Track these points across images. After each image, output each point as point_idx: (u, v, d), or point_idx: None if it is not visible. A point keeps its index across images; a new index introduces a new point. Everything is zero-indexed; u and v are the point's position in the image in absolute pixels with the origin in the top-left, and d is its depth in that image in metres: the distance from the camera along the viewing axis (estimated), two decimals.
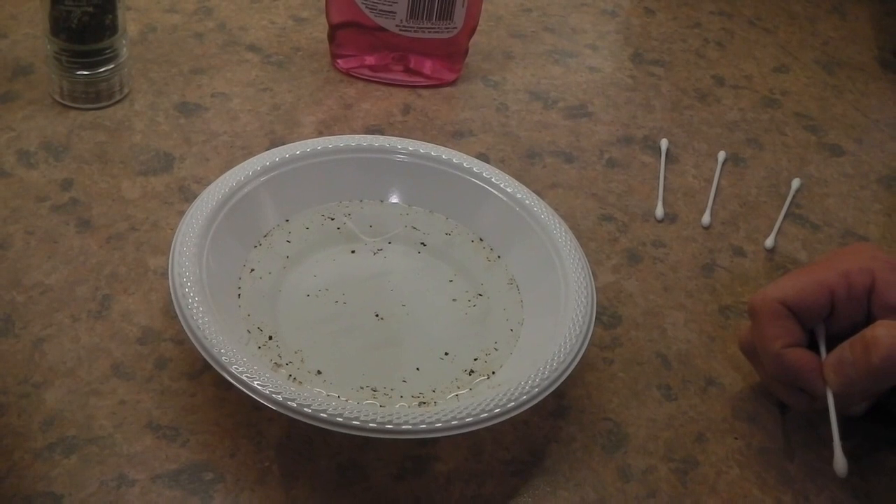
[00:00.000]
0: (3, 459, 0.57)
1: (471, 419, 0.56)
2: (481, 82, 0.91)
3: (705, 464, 0.63)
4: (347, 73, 0.89)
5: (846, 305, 0.61)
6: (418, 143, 0.73)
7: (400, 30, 0.86)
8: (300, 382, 0.60)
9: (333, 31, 0.89)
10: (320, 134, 0.82)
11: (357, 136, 0.73)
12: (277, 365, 0.61)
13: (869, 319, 0.60)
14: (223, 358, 0.57)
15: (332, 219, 0.71)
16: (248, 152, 0.74)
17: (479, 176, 0.72)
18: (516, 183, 0.72)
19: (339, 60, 0.90)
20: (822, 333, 0.62)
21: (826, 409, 0.60)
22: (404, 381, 0.62)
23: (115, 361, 0.63)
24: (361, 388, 0.61)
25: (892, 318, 0.58)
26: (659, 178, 0.83)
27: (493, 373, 0.63)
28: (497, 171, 0.72)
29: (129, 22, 0.88)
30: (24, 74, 0.83)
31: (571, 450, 0.62)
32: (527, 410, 0.59)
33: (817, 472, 0.63)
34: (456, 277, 0.69)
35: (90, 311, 0.66)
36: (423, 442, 0.61)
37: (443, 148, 0.73)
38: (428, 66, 0.89)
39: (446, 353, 0.64)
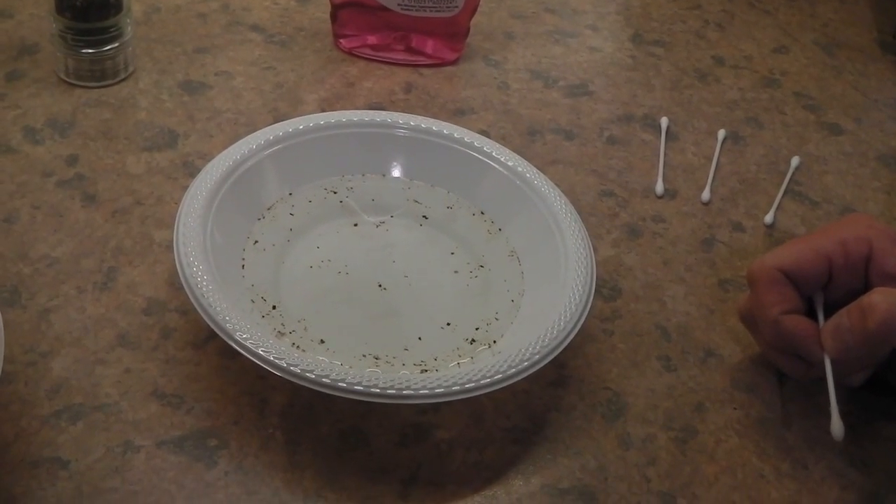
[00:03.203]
0: (11, 425, 0.58)
1: (472, 385, 0.57)
2: (482, 61, 0.92)
3: (704, 432, 0.63)
4: (350, 53, 0.90)
5: (843, 273, 0.62)
6: (420, 118, 0.74)
7: (402, 9, 0.87)
8: (303, 350, 0.61)
9: (336, 10, 0.89)
10: (323, 111, 0.82)
11: (359, 112, 0.74)
12: (281, 334, 0.62)
13: (866, 287, 0.61)
14: (228, 325, 0.57)
15: (335, 192, 0.72)
16: (252, 129, 0.74)
17: (479, 150, 0.73)
18: (517, 157, 0.72)
19: (341, 40, 0.90)
20: (819, 301, 0.63)
21: (824, 377, 0.61)
22: (406, 350, 0.62)
23: (121, 331, 0.64)
24: (364, 356, 0.62)
25: (889, 286, 0.59)
26: (659, 155, 0.84)
27: (494, 342, 0.63)
28: (497, 145, 0.73)
29: (134, 2, 0.89)
30: (29, 53, 0.84)
31: (571, 418, 0.63)
32: (527, 379, 0.59)
33: (815, 441, 0.64)
34: (457, 250, 0.70)
35: (96, 282, 0.66)
36: (425, 409, 0.62)
37: (444, 123, 0.74)
38: (429, 46, 0.90)
39: (448, 323, 0.65)
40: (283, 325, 0.63)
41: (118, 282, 0.67)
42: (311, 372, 0.56)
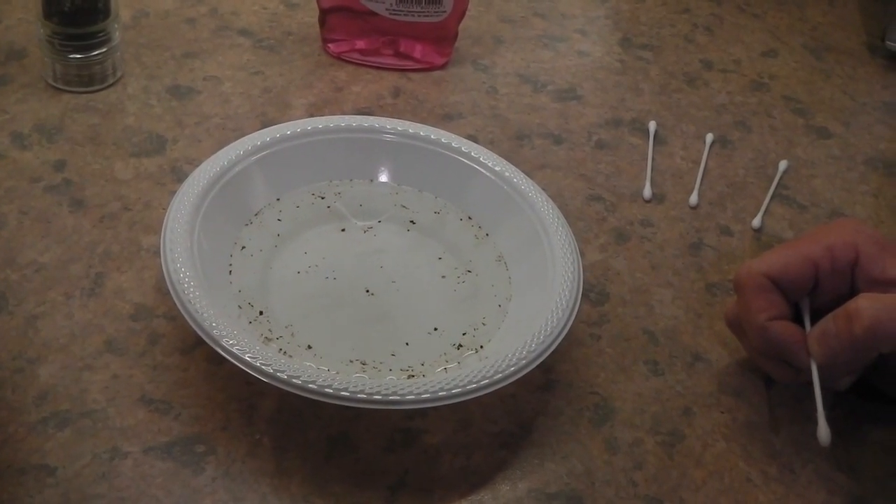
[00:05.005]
0: None
1: (458, 390, 0.57)
2: (471, 66, 0.92)
3: (691, 437, 0.64)
4: (338, 57, 0.90)
5: (830, 279, 0.62)
6: (407, 123, 0.74)
7: (390, 14, 0.87)
8: (290, 356, 0.61)
9: (324, 15, 0.89)
10: (311, 116, 0.82)
11: (347, 117, 0.74)
12: (268, 339, 0.62)
13: (853, 293, 0.61)
14: (214, 332, 0.57)
15: (323, 198, 0.72)
16: (240, 134, 0.75)
17: (467, 155, 0.73)
18: (504, 162, 0.73)
19: (329, 44, 0.90)
20: (806, 307, 0.63)
21: (810, 382, 0.61)
22: (393, 355, 0.63)
23: (108, 337, 0.64)
24: (351, 361, 0.62)
25: (875, 291, 0.59)
26: (647, 159, 0.84)
27: (481, 347, 0.63)
28: (485, 150, 0.73)
29: (122, 7, 0.88)
30: (17, 58, 0.84)
31: (559, 423, 0.63)
32: (514, 384, 0.60)
33: (802, 446, 0.64)
34: (445, 255, 0.70)
35: (83, 288, 0.66)
36: (412, 414, 0.62)
37: (431, 128, 0.74)
38: (418, 50, 0.90)
39: (435, 329, 0.65)
40: (270, 330, 0.63)
41: (106, 288, 0.67)
42: (297, 378, 0.56)
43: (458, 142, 0.73)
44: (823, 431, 0.59)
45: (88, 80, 0.81)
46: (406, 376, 0.61)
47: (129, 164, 0.76)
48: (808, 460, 0.63)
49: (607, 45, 0.98)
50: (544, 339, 0.60)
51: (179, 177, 0.75)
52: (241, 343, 0.57)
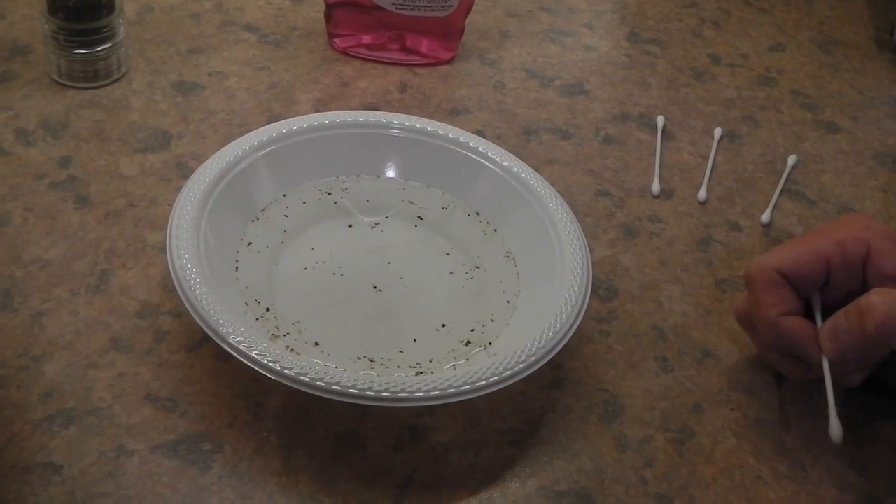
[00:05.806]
0: (3, 430, 0.57)
1: (467, 387, 0.57)
2: (478, 61, 0.92)
3: (701, 434, 0.63)
4: (344, 53, 0.90)
5: (841, 274, 0.61)
6: (414, 118, 0.74)
7: (396, 8, 0.86)
8: (298, 353, 0.60)
9: (330, 10, 0.89)
10: (317, 111, 0.82)
11: (353, 112, 0.74)
12: (275, 336, 0.61)
13: (864, 289, 0.61)
14: (221, 328, 0.57)
15: (330, 193, 0.71)
16: (246, 130, 0.74)
17: (475, 150, 0.72)
18: (512, 157, 0.72)
19: (335, 40, 0.90)
20: (817, 303, 0.63)
21: (822, 378, 0.61)
22: (401, 352, 0.62)
23: (114, 334, 0.63)
24: (359, 358, 0.61)
25: (887, 287, 0.59)
26: (655, 154, 0.84)
27: (490, 343, 0.63)
28: (493, 145, 0.73)
29: (127, 2, 0.88)
30: (22, 54, 0.84)
31: (568, 420, 0.63)
32: (523, 381, 0.59)
33: (813, 443, 0.63)
34: (453, 251, 0.69)
35: (89, 285, 0.66)
36: (420, 412, 0.61)
37: (439, 123, 0.74)
38: (424, 45, 0.89)
39: (443, 325, 0.64)
40: (277, 327, 0.62)
41: (111, 285, 0.66)
42: (305, 375, 0.55)
43: (465, 137, 0.73)
44: (835, 428, 0.59)
45: (93, 75, 0.81)
46: (414, 373, 0.60)
47: (134, 161, 0.75)
48: (819, 457, 0.63)
49: (614, 40, 0.98)
50: (553, 335, 0.60)
51: (185, 173, 0.75)
52: (247, 340, 0.57)
